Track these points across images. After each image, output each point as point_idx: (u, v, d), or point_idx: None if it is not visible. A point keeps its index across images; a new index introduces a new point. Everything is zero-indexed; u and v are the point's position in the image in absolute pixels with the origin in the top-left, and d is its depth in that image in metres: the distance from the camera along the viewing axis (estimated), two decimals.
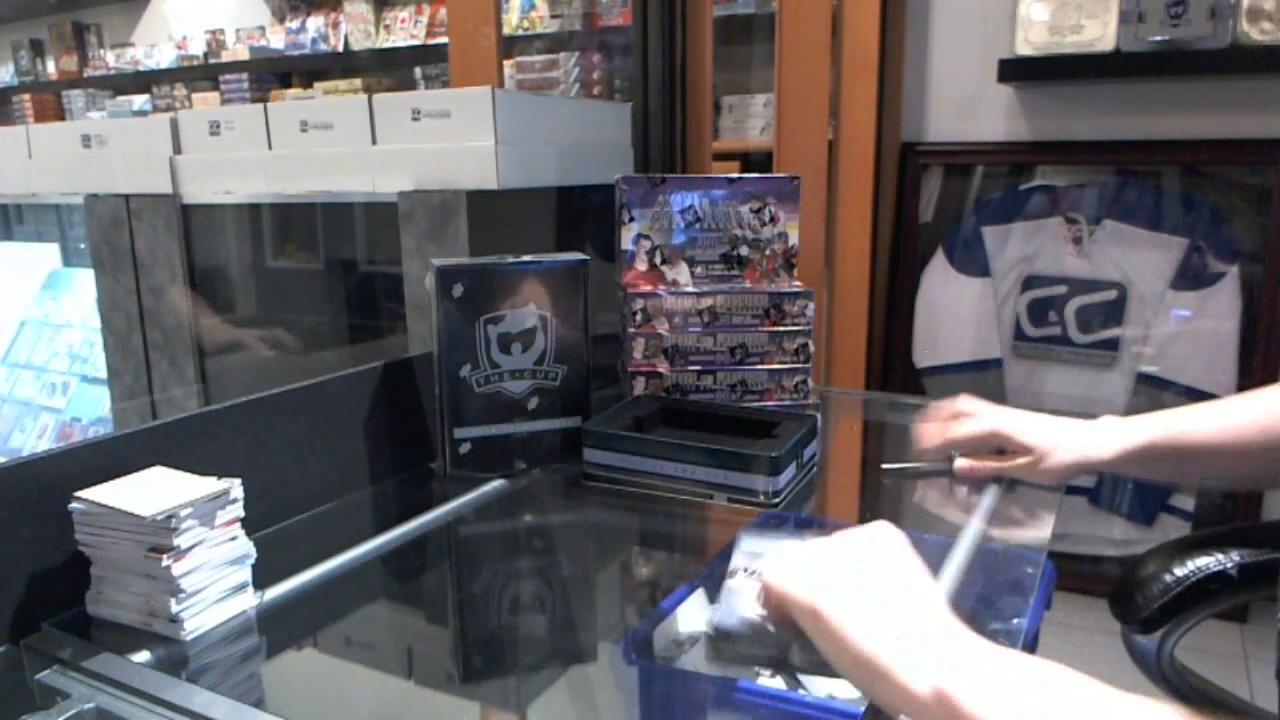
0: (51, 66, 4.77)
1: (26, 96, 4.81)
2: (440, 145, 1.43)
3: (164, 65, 4.26)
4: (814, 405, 1.33)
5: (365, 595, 0.95)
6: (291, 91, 3.94)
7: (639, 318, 1.30)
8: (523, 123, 1.45)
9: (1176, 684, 1.04)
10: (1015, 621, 0.85)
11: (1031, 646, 0.93)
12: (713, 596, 0.90)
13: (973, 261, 1.81)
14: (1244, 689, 0.92)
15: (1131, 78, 1.64)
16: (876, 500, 1.24)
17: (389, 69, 3.71)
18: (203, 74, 4.16)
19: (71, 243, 2.16)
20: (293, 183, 1.60)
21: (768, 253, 1.39)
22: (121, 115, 4.23)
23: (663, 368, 1.31)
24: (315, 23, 3.81)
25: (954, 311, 1.86)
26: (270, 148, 1.62)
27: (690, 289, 1.33)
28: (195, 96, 4.20)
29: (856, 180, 1.78)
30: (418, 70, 3.60)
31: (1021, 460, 1.02)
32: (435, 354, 1.14)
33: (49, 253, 2.20)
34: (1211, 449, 0.96)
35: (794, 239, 1.39)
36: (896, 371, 2.07)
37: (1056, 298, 1.77)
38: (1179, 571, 1.00)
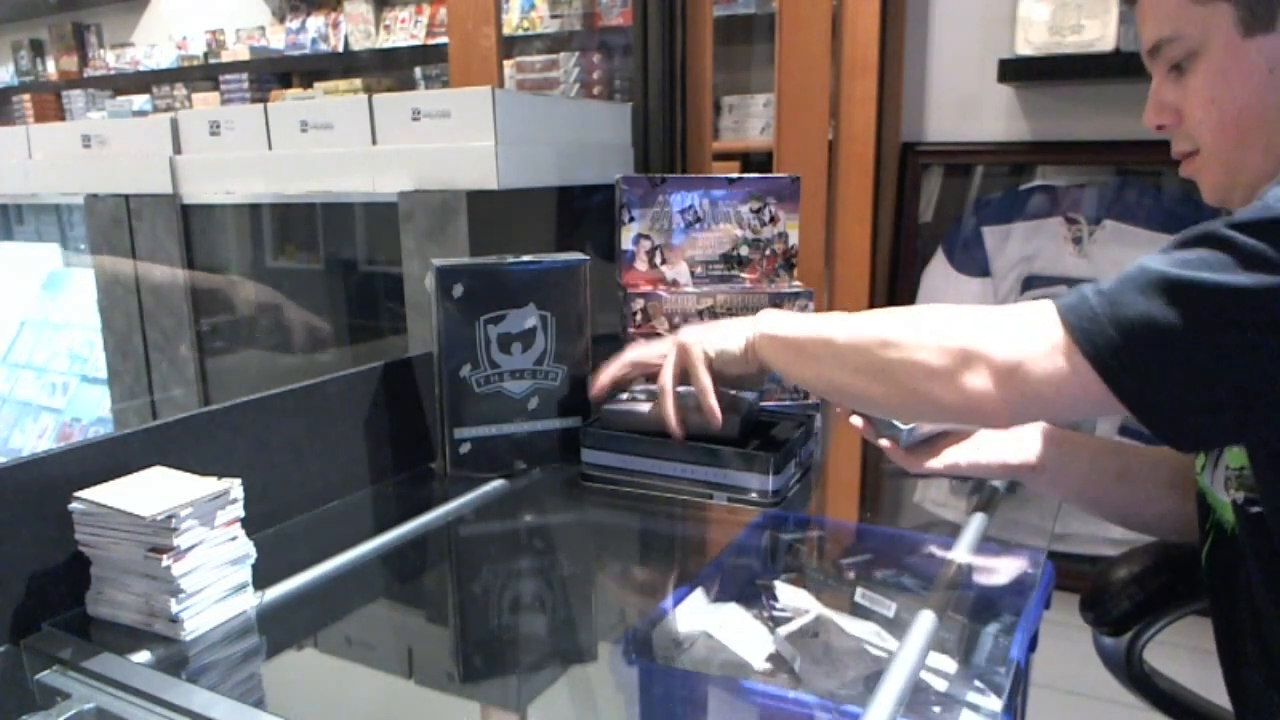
0: (51, 66, 4.76)
1: (26, 96, 4.81)
2: (440, 145, 1.43)
3: (164, 65, 4.26)
4: (814, 405, 1.33)
5: (365, 595, 0.95)
6: (291, 91, 3.93)
7: (639, 318, 1.30)
8: (523, 123, 1.45)
9: (1145, 685, 1.05)
10: (1015, 621, 0.85)
11: (1032, 646, 0.93)
12: (713, 596, 0.90)
13: (973, 261, 1.81)
14: (1217, 684, 0.93)
15: (1131, 78, 1.64)
16: (876, 500, 1.24)
17: (389, 69, 3.70)
18: (203, 74, 4.15)
19: (71, 243, 2.16)
20: (293, 183, 1.60)
21: (768, 253, 1.39)
22: (121, 115, 4.23)
23: None
24: (315, 23, 3.81)
25: None
26: (270, 148, 1.62)
27: (690, 289, 1.33)
28: (195, 96, 4.19)
29: (856, 180, 1.77)
30: (418, 70, 3.59)
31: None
32: (435, 354, 1.14)
33: (49, 253, 2.20)
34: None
35: (794, 239, 1.39)
36: None
37: (1057, 298, 1.77)
38: (1147, 575, 1.01)
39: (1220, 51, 0.75)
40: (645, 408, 1.11)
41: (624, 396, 1.15)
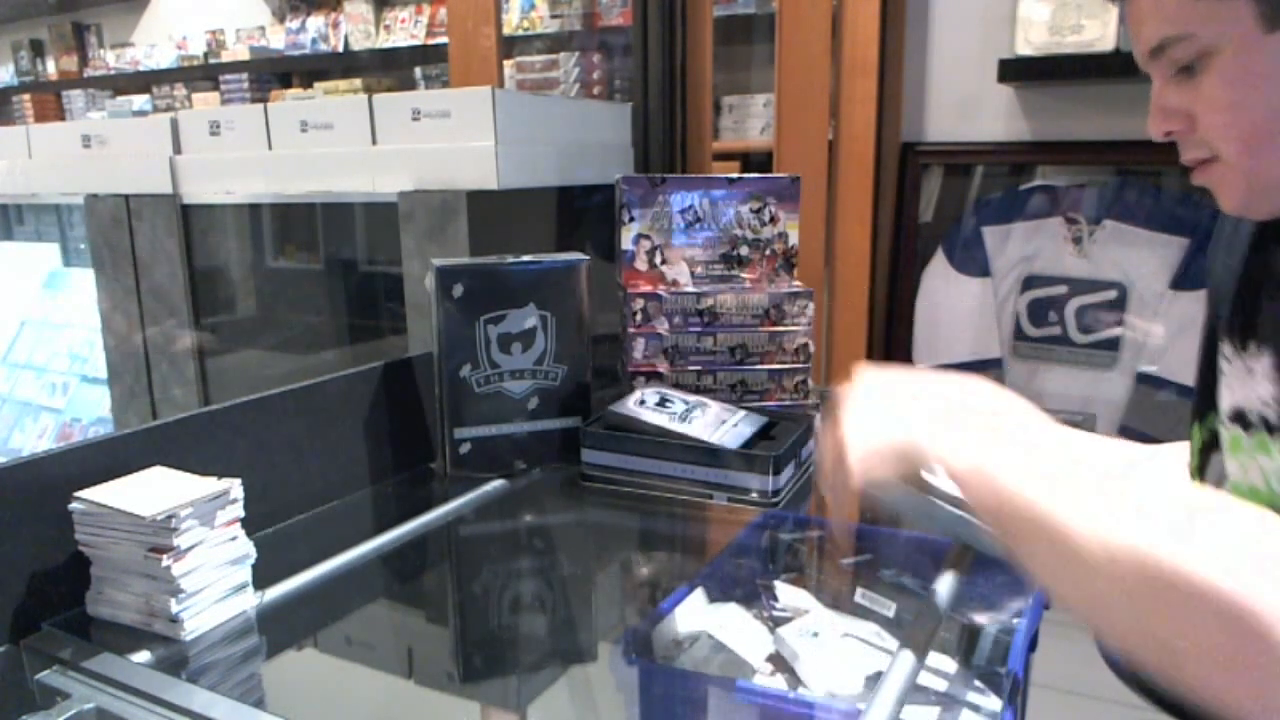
0: (51, 66, 4.77)
1: (26, 96, 4.81)
2: (440, 145, 1.43)
3: (164, 65, 4.26)
4: (814, 405, 1.33)
5: (365, 595, 0.95)
6: (291, 91, 3.93)
7: (639, 318, 1.30)
8: (523, 123, 1.45)
9: (1146, 684, 1.05)
10: (1015, 621, 0.85)
11: (1032, 646, 0.93)
12: (713, 596, 0.90)
13: (973, 261, 1.81)
14: None
15: (1131, 78, 1.64)
16: (876, 500, 1.23)
17: (389, 69, 3.70)
18: (203, 74, 4.16)
19: (71, 243, 2.16)
20: (293, 183, 1.60)
21: (768, 253, 1.39)
22: (121, 115, 4.23)
23: (663, 368, 1.31)
24: (315, 23, 3.81)
25: (954, 311, 1.86)
26: (270, 148, 1.61)
27: (690, 289, 1.33)
28: (195, 96, 4.19)
29: (856, 180, 1.77)
30: (418, 70, 3.59)
31: None
32: (435, 354, 1.13)
33: (49, 253, 2.20)
34: None
35: (794, 239, 1.39)
36: None
37: (1057, 298, 1.77)
38: None
39: (1239, 50, 0.68)
40: (652, 417, 1.11)
41: (633, 400, 1.15)
